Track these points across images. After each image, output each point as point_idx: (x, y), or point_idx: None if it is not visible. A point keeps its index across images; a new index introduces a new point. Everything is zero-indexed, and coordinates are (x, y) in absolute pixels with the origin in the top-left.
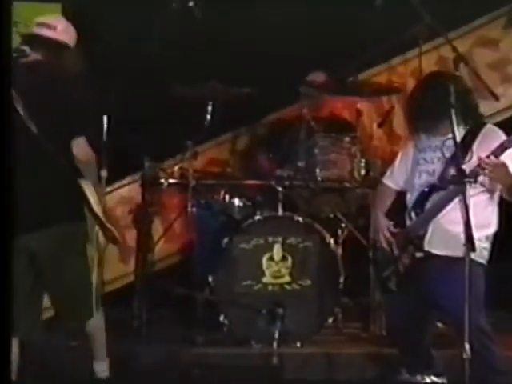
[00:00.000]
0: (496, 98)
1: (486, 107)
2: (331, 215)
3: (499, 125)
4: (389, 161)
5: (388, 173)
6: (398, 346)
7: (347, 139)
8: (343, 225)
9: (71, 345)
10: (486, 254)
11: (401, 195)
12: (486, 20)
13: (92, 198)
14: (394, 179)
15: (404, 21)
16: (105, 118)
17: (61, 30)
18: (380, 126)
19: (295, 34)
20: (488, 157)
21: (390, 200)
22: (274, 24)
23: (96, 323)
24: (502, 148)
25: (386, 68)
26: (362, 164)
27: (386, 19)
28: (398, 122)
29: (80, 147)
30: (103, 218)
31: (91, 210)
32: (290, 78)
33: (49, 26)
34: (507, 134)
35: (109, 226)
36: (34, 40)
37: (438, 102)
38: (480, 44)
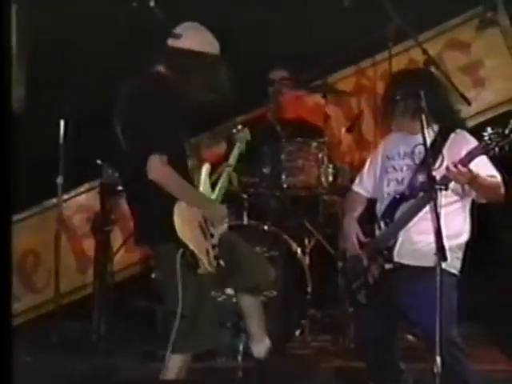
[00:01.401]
0: (468, 102)
1: None
2: (298, 224)
3: (471, 130)
4: (358, 167)
5: (357, 180)
6: (366, 360)
7: (315, 144)
8: (310, 234)
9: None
10: (458, 263)
11: (372, 203)
12: (457, 22)
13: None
14: (363, 186)
15: (373, 22)
16: (61, 123)
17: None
18: (348, 130)
19: (261, 35)
20: (456, 165)
21: (361, 207)
22: (239, 25)
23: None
24: (470, 156)
25: (355, 71)
26: (330, 170)
27: (355, 20)
28: (367, 126)
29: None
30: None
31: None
32: (254, 81)
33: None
34: (478, 139)
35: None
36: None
37: (408, 99)
38: (451, 47)
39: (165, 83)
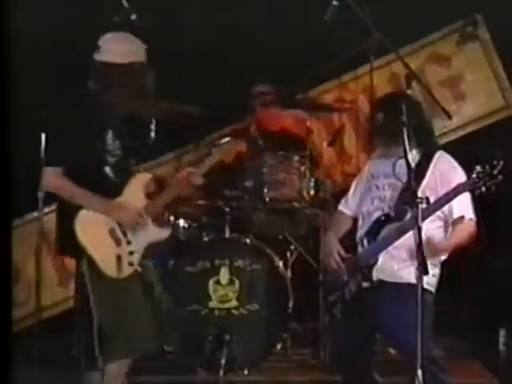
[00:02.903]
0: (449, 115)
1: (438, 125)
2: (280, 237)
3: (452, 143)
4: (339, 180)
5: (343, 200)
6: (340, 373)
7: (296, 158)
8: (292, 247)
9: None
10: (434, 281)
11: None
12: (438, 36)
13: None
14: (348, 205)
15: (354, 36)
16: (42, 136)
17: None
18: (330, 144)
19: (243, 48)
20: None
21: (345, 227)
22: (221, 39)
23: None
24: (456, 191)
25: (337, 84)
26: (312, 184)
27: (336, 34)
28: (349, 140)
29: None
30: None
31: None
32: (236, 94)
33: None
34: (459, 153)
35: None
36: None
37: (391, 122)
38: (432, 60)
39: (85, 98)
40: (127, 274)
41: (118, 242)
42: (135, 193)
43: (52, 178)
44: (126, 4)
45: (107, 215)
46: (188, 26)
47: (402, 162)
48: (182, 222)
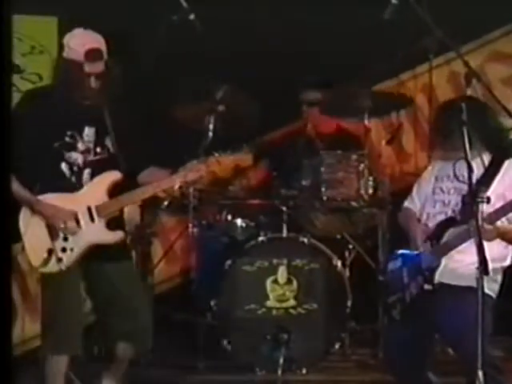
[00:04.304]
0: (510, 114)
1: None
2: (338, 236)
3: None
4: (397, 179)
5: (408, 199)
6: (393, 373)
7: (355, 157)
8: (351, 246)
9: None
10: (496, 286)
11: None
12: (499, 34)
13: None
14: (414, 204)
15: (414, 34)
16: None
17: None
18: (389, 143)
19: (301, 48)
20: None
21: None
22: (278, 39)
23: None
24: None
25: (396, 83)
26: (370, 183)
27: (396, 33)
28: (407, 139)
29: None
30: None
31: None
32: (294, 94)
33: None
34: None
35: None
36: None
37: (453, 128)
38: (493, 59)
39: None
40: (52, 270)
41: (53, 236)
42: (97, 189)
43: None
44: (184, 4)
45: (32, 211)
46: (244, 26)
47: (462, 162)
48: (239, 222)
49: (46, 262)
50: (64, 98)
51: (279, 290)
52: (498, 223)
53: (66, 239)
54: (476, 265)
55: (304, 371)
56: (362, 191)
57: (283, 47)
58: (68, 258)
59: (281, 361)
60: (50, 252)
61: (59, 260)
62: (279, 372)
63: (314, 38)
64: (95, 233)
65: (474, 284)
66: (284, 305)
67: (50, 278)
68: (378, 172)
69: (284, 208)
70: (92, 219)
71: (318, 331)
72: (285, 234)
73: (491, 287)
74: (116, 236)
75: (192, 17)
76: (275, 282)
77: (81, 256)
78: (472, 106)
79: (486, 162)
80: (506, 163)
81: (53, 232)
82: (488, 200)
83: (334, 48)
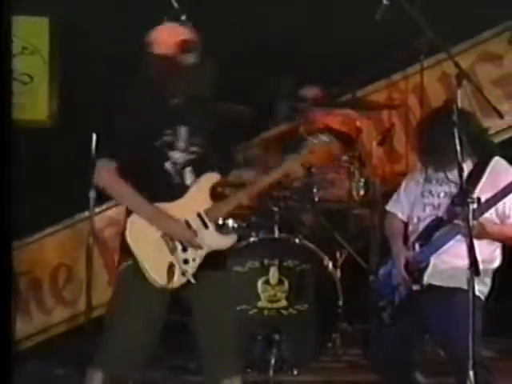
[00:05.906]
0: (500, 115)
1: (489, 125)
2: (329, 237)
3: (503, 143)
4: (389, 180)
5: (392, 201)
6: (380, 374)
7: (345, 158)
8: (342, 247)
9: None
10: (485, 289)
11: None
12: (490, 35)
13: None
14: (399, 207)
15: (405, 35)
16: (94, 136)
17: None
18: (380, 144)
19: (292, 48)
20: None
21: (401, 232)
22: (269, 40)
23: None
24: (505, 191)
25: (387, 84)
26: (361, 184)
27: (387, 33)
28: (399, 140)
29: None
30: None
31: None
32: (285, 94)
33: None
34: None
35: None
36: None
37: (442, 134)
38: (484, 59)
39: (142, 87)
40: (179, 284)
41: (170, 249)
42: (200, 193)
43: (103, 173)
44: (175, 4)
45: (155, 226)
46: (237, 26)
47: (453, 165)
48: (230, 222)
49: (170, 278)
50: (157, 95)
51: (271, 291)
52: (488, 225)
53: (184, 249)
54: (466, 266)
55: (295, 372)
56: (353, 192)
57: (277, 46)
58: (191, 270)
59: (272, 361)
60: (171, 266)
61: (184, 273)
62: (271, 372)
63: (307, 38)
64: (212, 239)
65: (462, 285)
66: (275, 305)
67: (153, 294)
68: (370, 173)
69: (275, 209)
70: (205, 225)
71: (310, 332)
72: (276, 234)
73: (480, 289)
74: (231, 240)
75: (183, 18)
76: (267, 282)
77: (199, 266)
78: (461, 113)
79: (471, 165)
80: (492, 162)
81: (171, 243)
82: (478, 201)
83: (327, 48)
